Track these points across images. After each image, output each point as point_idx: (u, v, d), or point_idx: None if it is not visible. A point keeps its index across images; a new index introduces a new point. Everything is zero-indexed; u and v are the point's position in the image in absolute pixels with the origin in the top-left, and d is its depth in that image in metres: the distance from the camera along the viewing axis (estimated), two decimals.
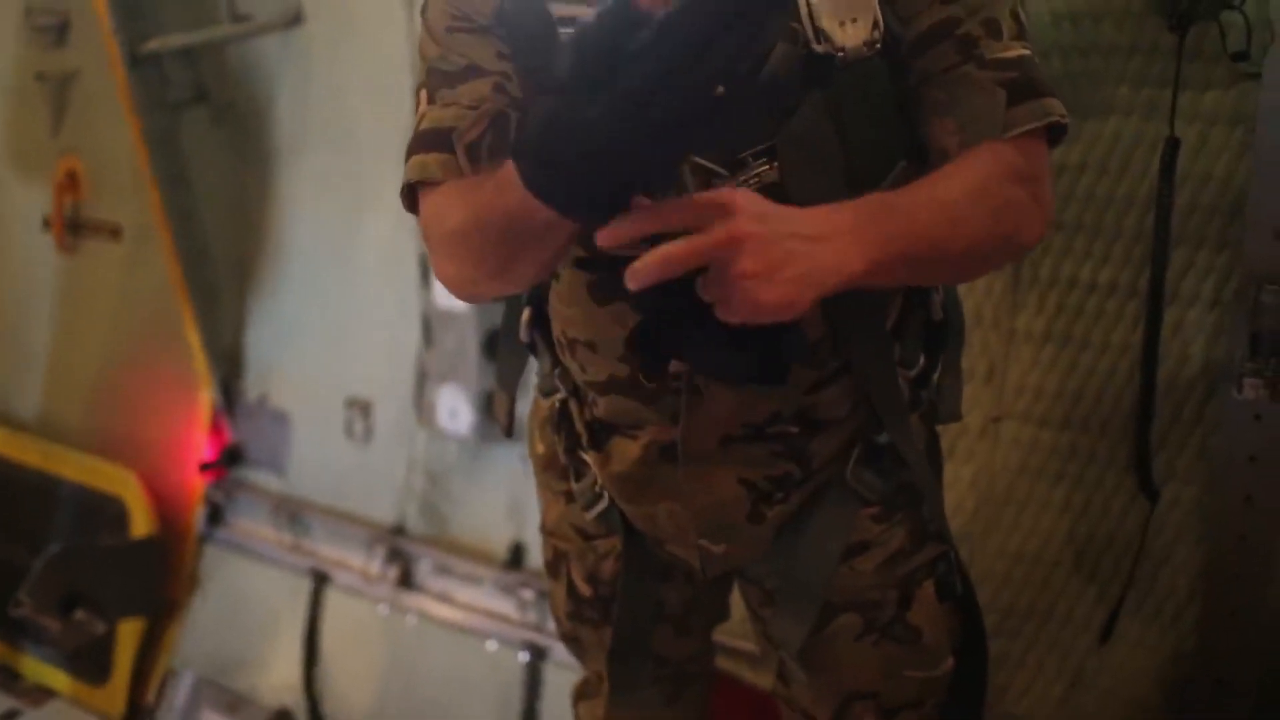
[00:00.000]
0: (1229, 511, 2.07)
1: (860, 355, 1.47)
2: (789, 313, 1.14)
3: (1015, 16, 1.36)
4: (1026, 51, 1.35)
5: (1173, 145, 1.90)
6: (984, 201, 1.29)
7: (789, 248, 1.13)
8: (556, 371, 1.59)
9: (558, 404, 1.62)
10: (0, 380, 4.50)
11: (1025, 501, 2.36)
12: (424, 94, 1.44)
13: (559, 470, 1.68)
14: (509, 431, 1.76)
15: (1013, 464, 2.37)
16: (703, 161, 1.33)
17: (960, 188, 1.28)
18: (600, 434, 1.56)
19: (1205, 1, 1.76)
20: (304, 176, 3.50)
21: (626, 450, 1.53)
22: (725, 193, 1.15)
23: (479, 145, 1.39)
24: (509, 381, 1.73)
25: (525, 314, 1.62)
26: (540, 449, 1.72)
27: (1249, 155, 2.00)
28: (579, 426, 1.59)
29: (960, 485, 2.42)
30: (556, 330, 1.55)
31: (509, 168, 1.16)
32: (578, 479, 1.64)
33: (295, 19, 3.34)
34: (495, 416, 1.79)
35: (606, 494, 1.60)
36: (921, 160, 1.37)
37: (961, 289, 2.38)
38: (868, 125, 1.34)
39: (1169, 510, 2.19)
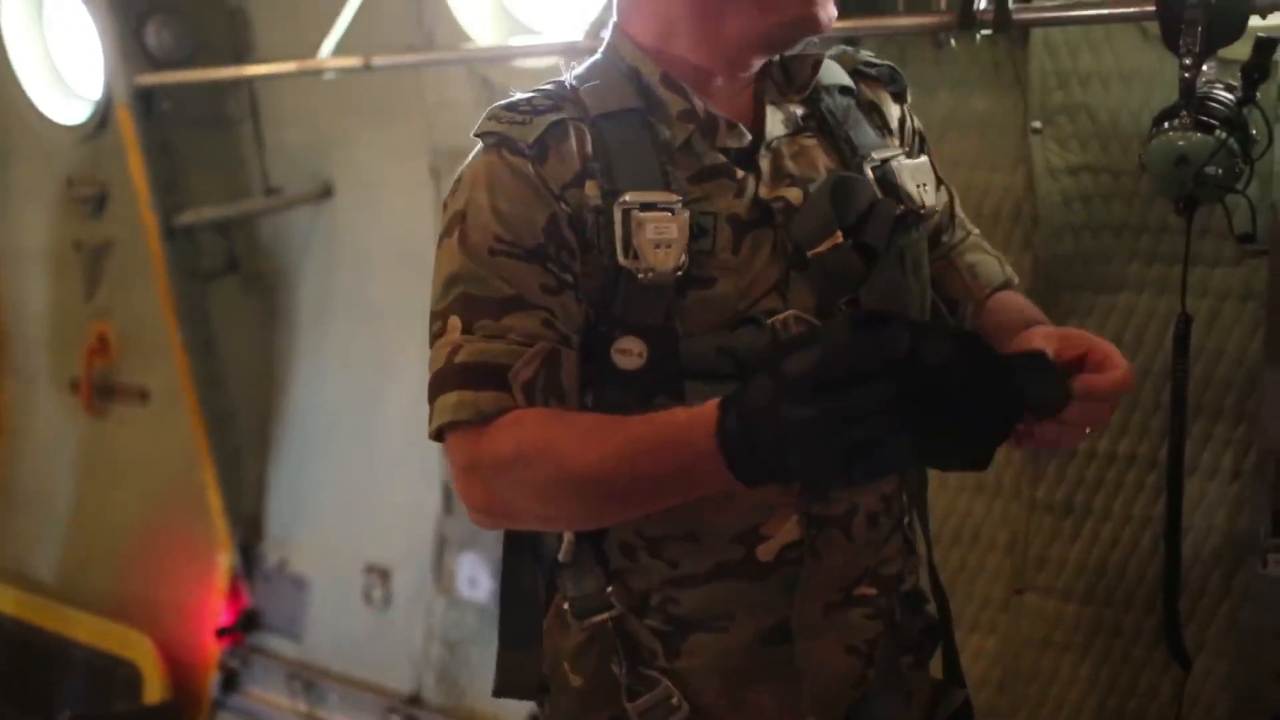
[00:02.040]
0: (1260, 687, 2.04)
1: (914, 496, 1.55)
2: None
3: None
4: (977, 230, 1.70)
5: (1185, 322, 1.93)
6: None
7: None
8: (611, 587, 1.46)
9: (608, 623, 1.47)
10: (19, 542, 4.52)
11: (1051, 676, 2.32)
12: (455, 320, 1.35)
13: (605, 696, 1.49)
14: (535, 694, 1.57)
15: (1037, 638, 2.34)
16: (803, 314, 1.40)
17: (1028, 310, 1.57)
18: (675, 638, 1.46)
19: (1210, 185, 1.81)
20: (328, 345, 3.57)
21: (712, 647, 1.45)
22: (1080, 334, 1.37)
23: (533, 386, 1.34)
24: (527, 636, 1.55)
25: (567, 536, 1.49)
26: (578, 681, 1.51)
27: (1262, 330, 2.03)
28: (645, 638, 1.46)
29: (984, 659, 2.39)
30: (622, 535, 1.45)
31: (681, 425, 1.24)
32: (632, 697, 1.47)
33: (325, 192, 3.45)
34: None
35: (685, 703, 1.46)
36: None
37: None
38: (923, 279, 1.50)
39: (1200, 684, 2.15)
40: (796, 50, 1.47)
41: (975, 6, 2.01)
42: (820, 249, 1.40)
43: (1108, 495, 2.27)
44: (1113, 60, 2.08)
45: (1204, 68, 1.81)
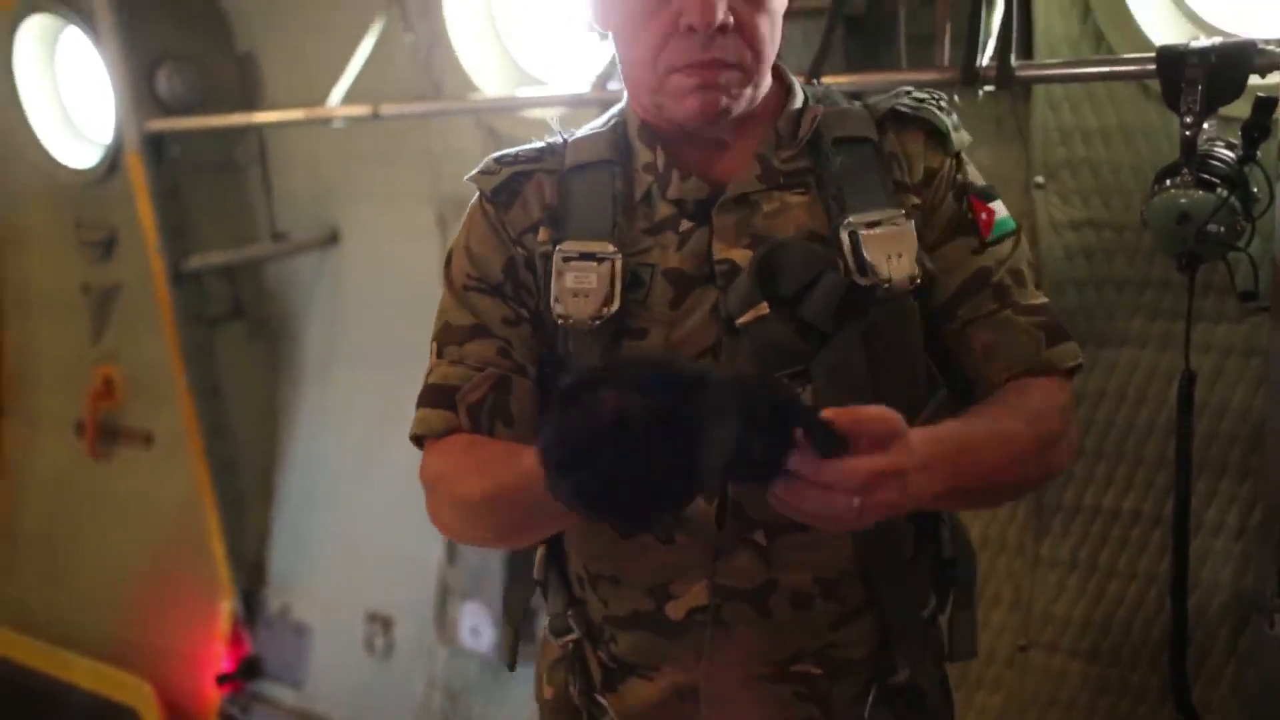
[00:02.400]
0: None
1: (885, 588, 1.47)
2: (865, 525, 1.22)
3: (1030, 267, 1.50)
4: (1045, 299, 1.48)
5: (1189, 379, 1.92)
6: (1036, 436, 1.39)
7: (890, 494, 1.20)
8: (570, 611, 1.57)
9: (570, 645, 1.59)
10: (19, 584, 4.50)
11: None
12: (434, 346, 1.50)
13: (569, 713, 1.64)
14: (512, 665, 1.73)
15: (1043, 695, 2.32)
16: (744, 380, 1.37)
17: (1019, 424, 1.37)
18: (616, 675, 1.53)
19: (1211, 243, 1.80)
20: (332, 392, 3.57)
21: (642, 692, 1.50)
22: (893, 418, 1.20)
23: (479, 408, 1.45)
24: (514, 613, 1.71)
25: (540, 551, 1.61)
26: (549, 693, 1.64)
27: (1265, 386, 2.02)
28: (594, 668, 1.56)
29: (990, 716, 2.36)
30: (576, 566, 1.54)
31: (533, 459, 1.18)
32: None
33: (332, 239, 3.47)
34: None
35: None
36: (953, 391, 1.48)
37: (984, 514, 2.39)
38: (899, 358, 1.41)
39: None
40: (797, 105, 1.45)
41: (978, 63, 2.02)
42: (746, 319, 1.39)
43: (1113, 551, 2.25)
44: (1115, 116, 2.09)
45: (1205, 125, 1.82)
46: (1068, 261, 2.19)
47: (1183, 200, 1.79)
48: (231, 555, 3.77)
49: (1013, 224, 1.49)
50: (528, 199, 1.50)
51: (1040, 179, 2.18)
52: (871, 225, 1.39)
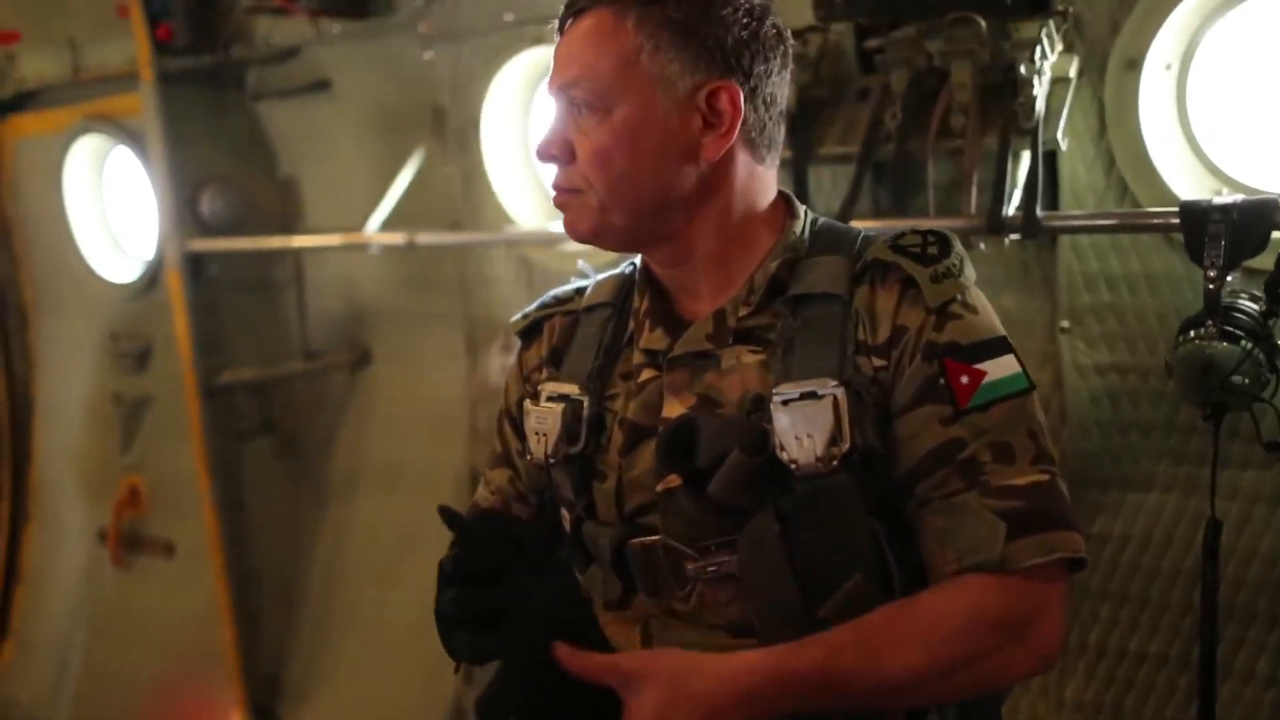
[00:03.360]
0: None
1: None
2: None
3: (1034, 437, 1.31)
4: (1044, 477, 1.29)
5: (1214, 527, 1.92)
6: (947, 660, 1.26)
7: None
8: None
9: None
10: (33, 690, 4.46)
11: None
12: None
13: None
14: None
15: None
16: (674, 544, 1.39)
17: (908, 650, 1.25)
18: None
19: (1236, 394, 1.82)
20: (355, 512, 3.59)
21: None
22: (641, 664, 1.28)
23: None
24: None
25: None
26: None
27: None
28: None
29: None
30: None
31: None
32: None
33: (363, 359, 3.52)
34: None
35: None
36: (885, 577, 1.33)
37: None
38: (823, 536, 1.31)
39: None
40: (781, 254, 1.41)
41: (1004, 212, 2.07)
42: (660, 488, 1.41)
43: (1139, 696, 2.23)
44: (1139, 264, 2.13)
45: (1228, 278, 1.85)
46: (1093, 405, 2.22)
47: (1207, 351, 1.81)
48: (246, 669, 3.75)
49: (1019, 384, 1.33)
50: (543, 339, 1.60)
51: (1066, 323, 2.21)
52: (791, 400, 1.31)
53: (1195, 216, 1.82)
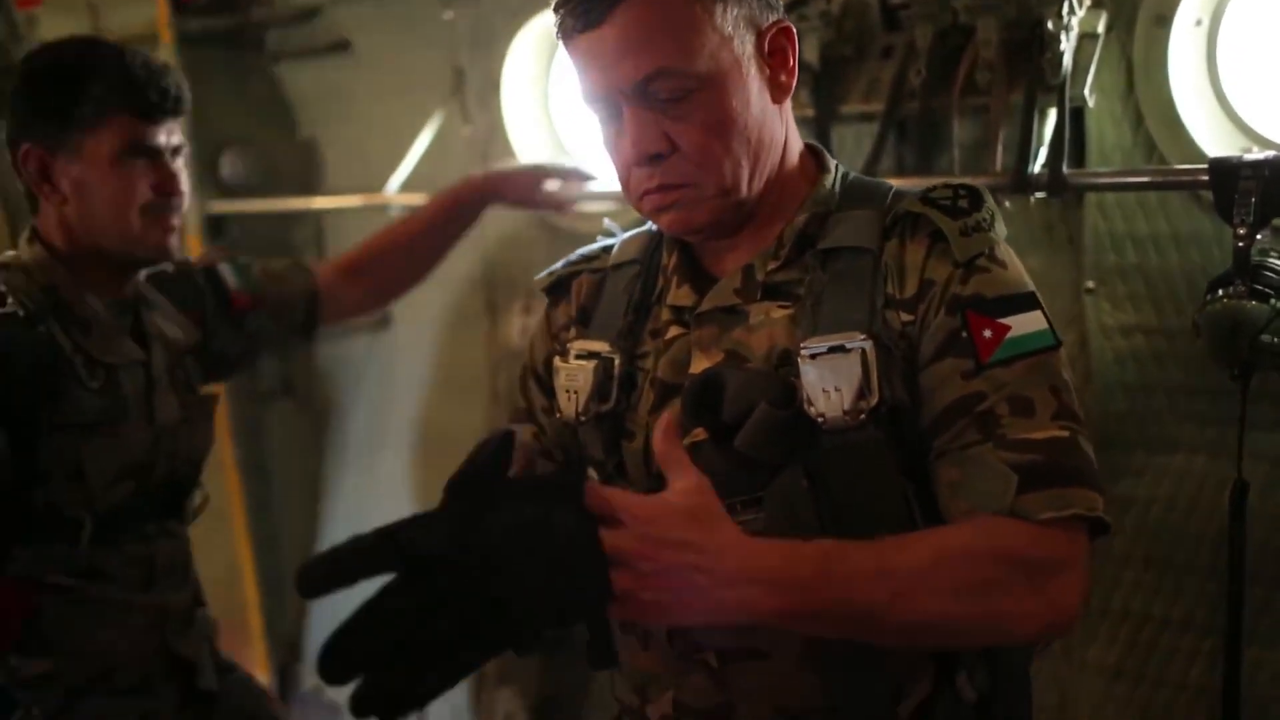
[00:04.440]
0: None
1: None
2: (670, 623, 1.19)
3: (1057, 392, 1.29)
4: (1064, 433, 1.26)
5: (1241, 488, 1.91)
6: (950, 578, 1.19)
7: (683, 580, 1.09)
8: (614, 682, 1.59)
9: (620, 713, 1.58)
10: None
11: None
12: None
13: None
14: None
15: None
16: None
17: (922, 559, 1.19)
18: None
19: (1265, 353, 1.80)
20: (377, 474, 3.60)
21: None
22: (630, 502, 1.10)
23: None
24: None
25: None
26: None
27: None
28: None
29: None
30: None
31: None
32: None
33: (383, 322, 3.52)
34: None
35: None
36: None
37: None
38: (852, 493, 1.30)
39: None
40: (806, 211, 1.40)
41: (1030, 170, 2.04)
42: (686, 443, 1.34)
43: (1161, 661, 2.22)
44: (1166, 225, 2.11)
45: (1258, 236, 1.83)
46: (1118, 366, 2.19)
47: (1236, 310, 1.80)
48: (268, 631, 3.78)
49: (1045, 340, 1.30)
50: (571, 297, 1.59)
51: (1091, 284, 2.19)
52: (819, 354, 1.29)
53: (1225, 174, 1.79)
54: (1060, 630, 1.27)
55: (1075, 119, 2.10)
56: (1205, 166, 1.84)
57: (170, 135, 2.07)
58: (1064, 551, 1.24)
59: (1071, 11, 2.02)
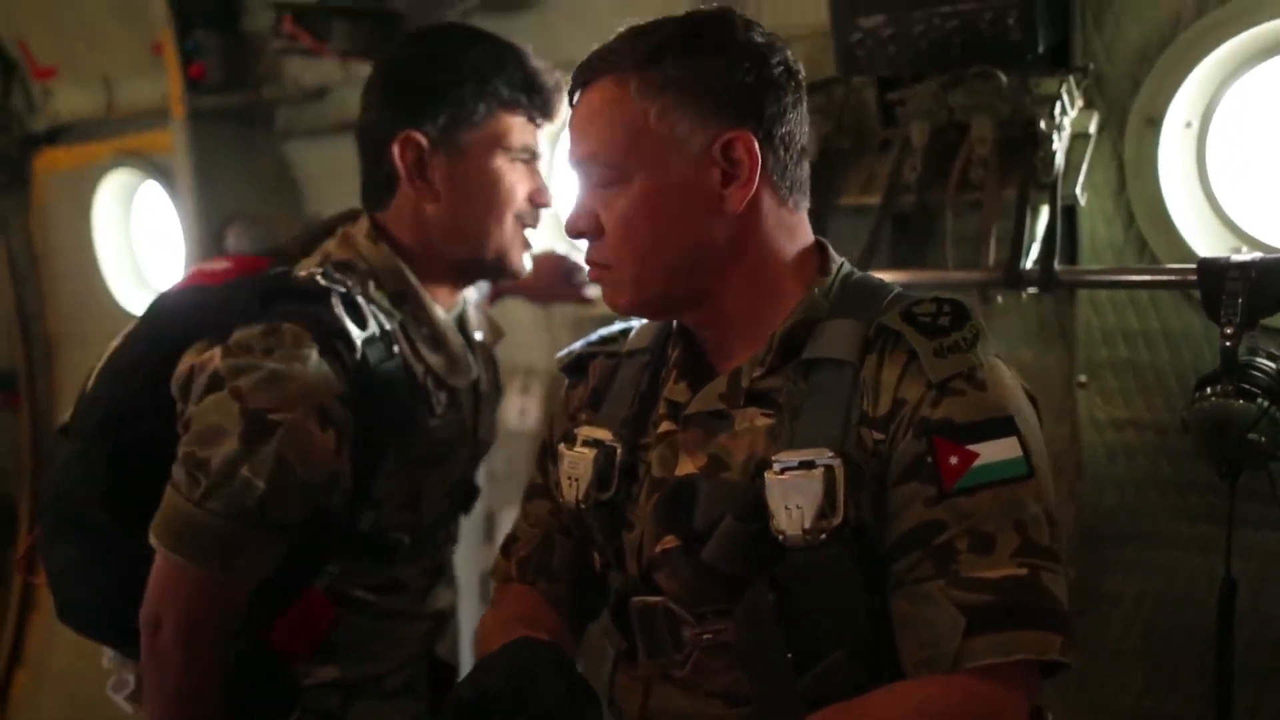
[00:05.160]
0: None
1: None
2: None
3: (1021, 527, 1.25)
4: (1022, 571, 1.23)
5: (1229, 587, 1.91)
6: None
7: None
8: None
9: None
10: None
11: None
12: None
13: None
14: None
15: None
16: (675, 608, 1.40)
17: None
18: None
19: (1252, 452, 1.82)
20: None
21: None
22: None
23: (526, 562, 1.62)
24: None
25: None
26: None
27: None
28: None
29: None
30: None
31: None
32: None
33: None
34: None
35: None
36: (873, 655, 1.31)
37: None
38: (816, 609, 1.29)
39: None
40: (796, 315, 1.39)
41: (1022, 265, 2.07)
42: (658, 548, 1.40)
43: None
44: (1158, 321, 2.13)
45: (1245, 336, 1.84)
46: (1109, 461, 2.21)
47: (1224, 409, 1.81)
48: None
49: (1015, 469, 1.26)
50: (587, 380, 1.61)
51: (1083, 378, 2.21)
52: (788, 469, 1.29)
53: (1213, 274, 1.82)
54: None
55: (1067, 216, 2.14)
56: (1194, 266, 1.87)
57: (541, 144, 1.91)
58: (1004, 700, 1.22)
59: (1064, 112, 2.06)
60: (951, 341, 1.31)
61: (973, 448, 1.26)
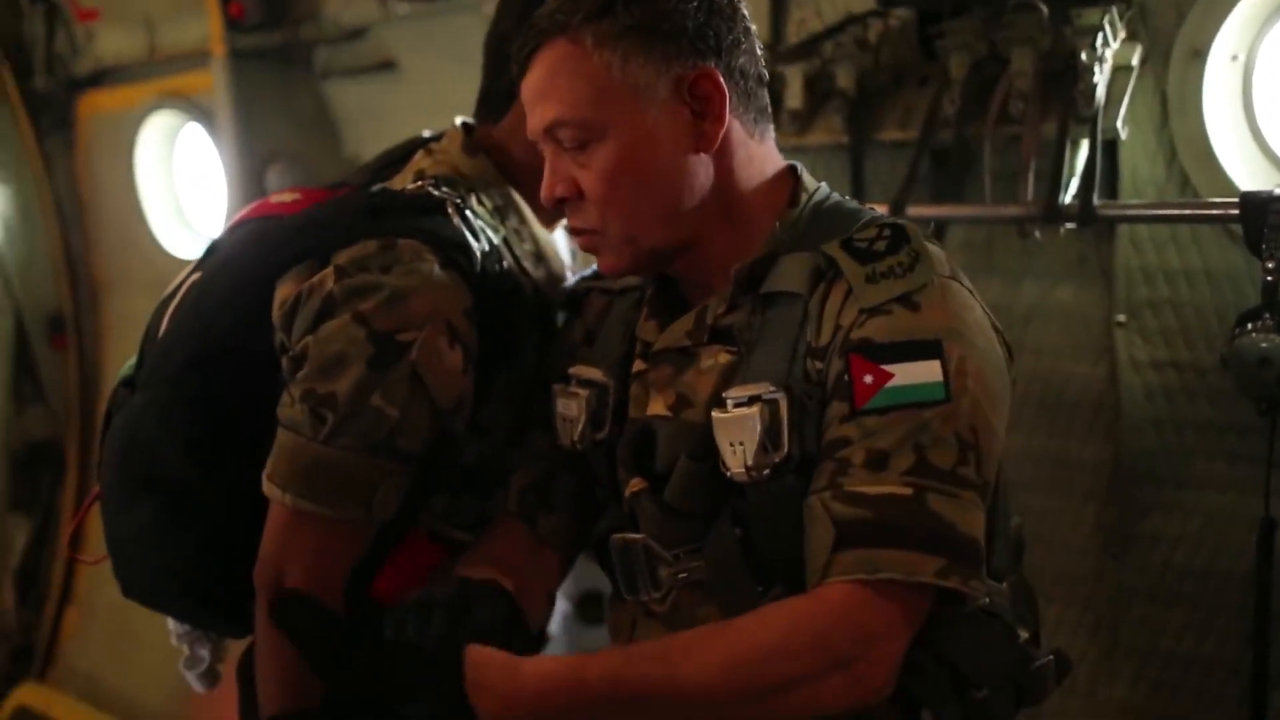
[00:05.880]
0: None
1: None
2: None
3: (921, 449, 1.23)
4: (905, 490, 1.22)
5: (1269, 526, 1.89)
6: (740, 674, 1.21)
7: None
8: None
9: None
10: (92, 657, 4.56)
11: None
12: None
13: None
14: None
15: None
16: (653, 545, 1.40)
17: (711, 669, 1.21)
18: None
19: None
20: None
21: None
22: (480, 657, 1.23)
23: (527, 492, 1.60)
24: None
25: None
26: None
27: None
28: None
29: None
30: None
31: None
32: None
33: None
34: None
35: None
36: None
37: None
38: (777, 542, 1.30)
39: None
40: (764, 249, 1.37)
41: (1060, 200, 2.04)
42: (629, 490, 1.42)
43: (1185, 701, 2.19)
44: (1199, 259, 2.09)
45: None
46: (1148, 401, 2.18)
47: (1264, 344, 1.79)
48: None
49: (930, 394, 1.24)
50: (585, 316, 1.61)
51: (1122, 317, 2.17)
52: (738, 405, 1.29)
53: (1255, 207, 1.79)
54: (870, 702, 1.24)
55: (1108, 151, 2.10)
56: (1236, 200, 1.83)
57: None
58: (874, 623, 1.21)
59: (1106, 44, 2.02)
60: (885, 266, 1.30)
61: (888, 368, 1.25)
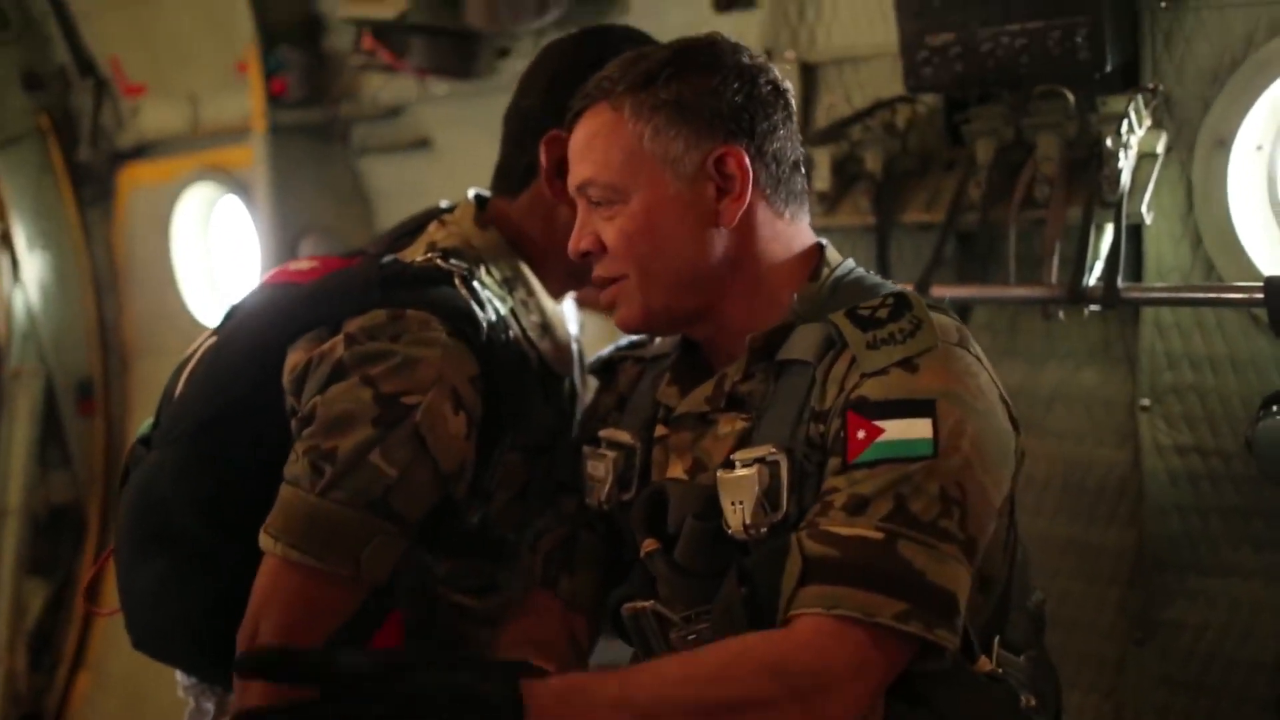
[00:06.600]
0: None
1: None
2: None
3: (901, 499, 1.26)
4: (877, 534, 1.24)
5: None
6: (696, 700, 1.22)
7: None
8: None
9: None
10: None
11: None
12: None
13: None
14: None
15: None
16: (662, 610, 1.44)
17: (668, 683, 1.23)
18: None
19: None
20: None
21: None
22: None
23: (551, 557, 1.65)
24: None
25: None
26: None
27: None
28: None
29: None
30: None
31: None
32: None
33: None
34: None
35: None
36: None
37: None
38: (780, 598, 1.30)
39: None
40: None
41: (1084, 282, 2.05)
42: (642, 552, 1.46)
43: None
44: (1223, 344, 2.10)
45: None
46: (1172, 486, 2.17)
47: None
48: None
49: (919, 449, 1.27)
50: (619, 383, 1.67)
51: (1146, 402, 2.18)
52: (736, 466, 1.34)
53: (1279, 289, 1.80)
54: None
55: (1133, 237, 2.12)
56: (1260, 285, 1.85)
57: None
58: (834, 661, 1.22)
59: (1131, 130, 2.05)
60: (886, 333, 1.34)
61: (881, 423, 1.28)
